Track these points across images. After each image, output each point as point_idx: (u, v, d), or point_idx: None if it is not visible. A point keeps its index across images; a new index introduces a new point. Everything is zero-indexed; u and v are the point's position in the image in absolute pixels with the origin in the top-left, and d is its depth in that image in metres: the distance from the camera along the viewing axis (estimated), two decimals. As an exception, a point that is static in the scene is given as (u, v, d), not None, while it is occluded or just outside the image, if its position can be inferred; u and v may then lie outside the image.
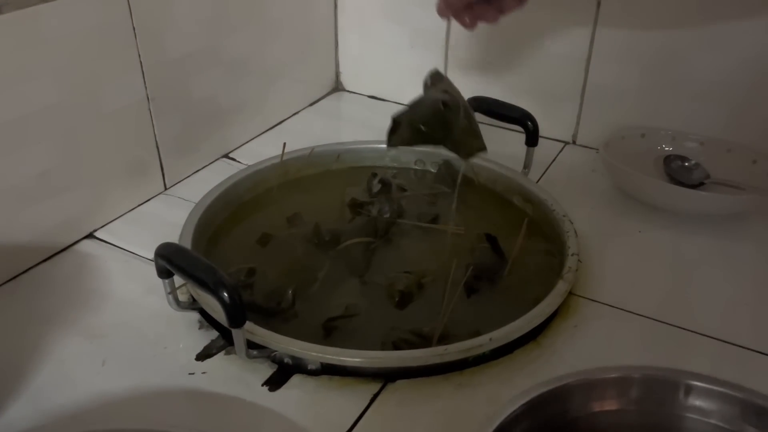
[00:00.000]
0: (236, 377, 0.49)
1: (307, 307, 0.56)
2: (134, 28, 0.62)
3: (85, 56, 0.58)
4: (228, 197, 0.68)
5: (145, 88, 0.65)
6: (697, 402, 0.40)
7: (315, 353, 0.48)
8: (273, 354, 0.49)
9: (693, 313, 0.55)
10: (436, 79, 0.61)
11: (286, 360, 0.49)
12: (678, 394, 0.41)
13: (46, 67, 0.56)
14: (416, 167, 0.77)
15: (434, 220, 0.68)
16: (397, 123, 0.57)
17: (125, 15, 0.61)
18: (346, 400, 0.47)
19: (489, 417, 0.39)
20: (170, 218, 0.65)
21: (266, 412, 0.46)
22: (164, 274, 0.50)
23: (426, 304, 0.57)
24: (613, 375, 0.41)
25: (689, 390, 0.40)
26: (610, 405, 0.41)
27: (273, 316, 0.54)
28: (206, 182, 0.69)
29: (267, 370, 0.49)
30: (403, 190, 0.72)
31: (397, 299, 0.57)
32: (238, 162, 0.77)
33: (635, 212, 0.68)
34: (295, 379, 0.48)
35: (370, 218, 0.66)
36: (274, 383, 0.48)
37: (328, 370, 0.49)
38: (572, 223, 0.62)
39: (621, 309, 0.56)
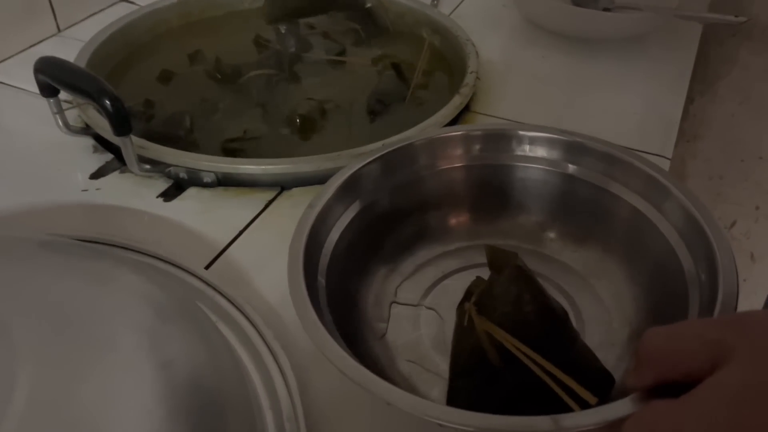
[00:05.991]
0: (130, 191, 0.49)
1: (207, 135, 0.55)
2: None
3: None
4: (125, 37, 0.65)
5: None
6: (527, 149, 0.43)
7: (210, 163, 0.48)
8: (168, 170, 0.49)
9: (586, 122, 0.57)
10: None
11: (181, 175, 0.49)
12: (512, 144, 0.43)
13: None
14: (326, 6, 0.74)
15: (341, 54, 0.67)
16: None
17: None
18: (242, 206, 0.48)
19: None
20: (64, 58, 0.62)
21: (160, 220, 0.46)
22: (47, 91, 0.48)
23: (328, 133, 0.57)
24: (458, 133, 0.44)
25: (521, 139, 0.43)
26: (455, 162, 0.43)
27: (172, 144, 0.54)
28: (103, 24, 0.66)
29: (162, 186, 0.49)
30: (312, 27, 0.71)
31: (298, 123, 0.57)
32: (137, 5, 0.74)
33: (541, 40, 0.69)
34: (191, 191, 0.49)
35: (274, 51, 0.65)
36: (168, 195, 0.48)
37: (225, 181, 0.49)
38: (474, 45, 0.62)
39: (517, 122, 0.57)
